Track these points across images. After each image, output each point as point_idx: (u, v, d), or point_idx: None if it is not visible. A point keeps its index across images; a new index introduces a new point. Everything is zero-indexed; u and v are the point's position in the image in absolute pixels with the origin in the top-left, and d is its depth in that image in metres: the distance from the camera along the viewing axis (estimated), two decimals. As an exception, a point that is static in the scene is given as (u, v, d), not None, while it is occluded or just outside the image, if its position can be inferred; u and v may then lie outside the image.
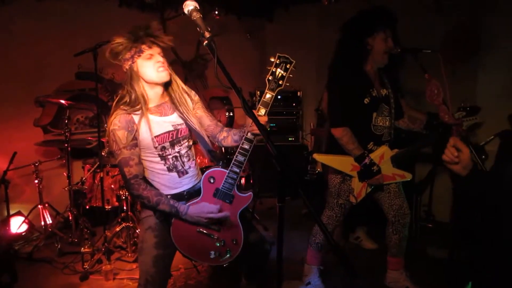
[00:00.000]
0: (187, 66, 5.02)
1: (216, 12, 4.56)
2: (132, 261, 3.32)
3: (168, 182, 1.99)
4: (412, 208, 3.78)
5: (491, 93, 3.65)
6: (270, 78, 1.89)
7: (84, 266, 3.16)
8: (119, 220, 3.59)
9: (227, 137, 2.09)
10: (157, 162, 1.97)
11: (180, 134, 2.00)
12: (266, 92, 1.89)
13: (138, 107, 1.89)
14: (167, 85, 1.98)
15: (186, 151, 2.04)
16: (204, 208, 1.89)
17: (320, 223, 1.31)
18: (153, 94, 1.95)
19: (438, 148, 3.80)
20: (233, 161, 1.91)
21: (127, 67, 1.89)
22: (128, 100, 1.89)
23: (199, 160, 2.18)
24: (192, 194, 2.02)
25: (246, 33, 5.42)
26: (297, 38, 5.17)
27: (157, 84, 1.93)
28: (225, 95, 5.44)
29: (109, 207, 3.68)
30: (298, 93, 5.19)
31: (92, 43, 2.99)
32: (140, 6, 4.42)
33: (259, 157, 4.68)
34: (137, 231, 3.42)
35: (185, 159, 2.03)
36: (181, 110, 1.99)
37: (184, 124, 2.02)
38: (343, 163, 2.56)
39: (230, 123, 4.74)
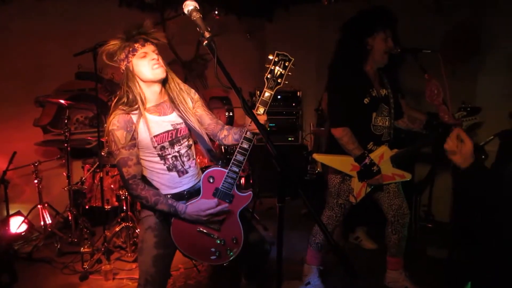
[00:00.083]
0: (187, 66, 5.01)
1: (216, 12, 4.55)
2: (131, 261, 3.32)
3: (168, 182, 1.99)
4: (412, 208, 3.78)
5: (491, 93, 3.64)
6: (268, 76, 1.88)
7: (84, 266, 3.16)
8: (119, 220, 3.59)
9: (228, 136, 2.09)
10: (156, 162, 1.97)
11: (180, 133, 2.00)
12: (265, 91, 1.88)
13: (136, 107, 1.89)
14: (164, 83, 1.98)
15: (186, 151, 2.04)
16: (202, 205, 1.89)
17: (320, 223, 1.30)
18: (151, 94, 1.95)
19: (438, 148, 3.82)
20: (232, 161, 1.91)
21: (123, 67, 1.89)
22: (126, 100, 1.89)
23: (199, 160, 2.18)
24: (192, 193, 2.02)
25: (246, 33, 5.42)
26: (297, 38, 5.16)
27: (153, 82, 1.92)
28: (225, 95, 5.43)
29: (109, 207, 3.68)
30: (298, 93, 5.19)
31: (92, 43, 2.99)
32: (140, 6, 4.42)
33: (258, 157, 4.69)
34: (136, 231, 3.42)
35: (185, 159, 2.02)
36: (180, 109, 1.99)
37: (184, 123, 2.02)
38: (343, 163, 2.55)
39: (229, 123, 4.74)
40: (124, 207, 3.45)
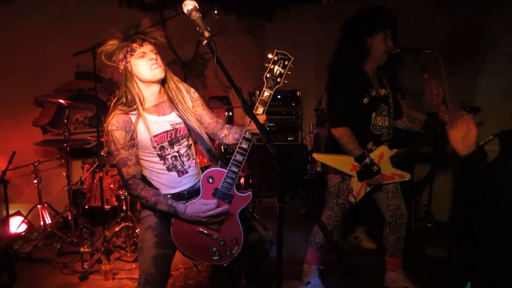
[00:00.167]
0: (186, 66, 5.01)
1: (216, 12, 4.55)
2: (131, 261, 3.32)
3: (167, 182, 1.99)
4: (412, 208, 3.79)
5: (491, 93, 3.64)
6: (268, 75, 1.86)
7: (84, 266, 3.16)
8: (119, 220, 3.59)
9: (228, 135, 2.08)
10: (156, 162, 1.96)
11: (179, 133, 2.00)
12: (264, 90, 1.86)
13: (135, 107, 1.88)
14: (163, 83, 1.98)
15: (186, 151, 2.03)
16: (202, 206, 1.88)
17: (320, 222, 1.30)
18: (150, 94, 1.94)
19: (437, 148, 3.82)
20: (231, 161, 1.90)
21: (121, 67, 1.89)
22: (125, 101, 1.89)
23: (198, 159, 2.17)
24: (192, 193, 2.02)
25: (245, 33, 5.41)
26: (297, 38, 5.16)
27: (152, 82, 1.92)
28: (224, 95, 5.44)
29: (109, 206, 3.68)
30: (298, 92, 5.19)
31: (91, 42, 2.98)
32: (140, 5, 4.41)
33: (258, 157, 4.69)
34: (136, 230, 3.42)
35: (184, 159, 2.02)
36: (179, 109, 1.99)
37: (183, 123, 2.02)
38: (342, 162, 2.55)
39: (229, 123, 4.74)
40: (124, 207, 3.45)
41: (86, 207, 3.77)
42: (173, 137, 1.97)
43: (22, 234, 3.63)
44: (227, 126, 2.13)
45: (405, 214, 2.65)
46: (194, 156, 2.11)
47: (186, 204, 1.90)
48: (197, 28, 1.52)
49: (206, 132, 2.11)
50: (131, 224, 3.40)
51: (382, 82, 2.63)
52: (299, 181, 4.60)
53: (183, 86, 2.08)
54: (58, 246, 3.49)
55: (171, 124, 1.98)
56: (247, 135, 1.88)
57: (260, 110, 1.86)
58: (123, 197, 3.45)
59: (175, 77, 2.05)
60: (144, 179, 1.97)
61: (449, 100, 2.45)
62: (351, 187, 2.58)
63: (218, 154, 3.46)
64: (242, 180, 4.55)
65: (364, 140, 2.54)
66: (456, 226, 3.36)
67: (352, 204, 2.63)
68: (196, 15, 1.54)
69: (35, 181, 3.55)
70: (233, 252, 1.97)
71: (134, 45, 1.85)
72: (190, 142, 2.09)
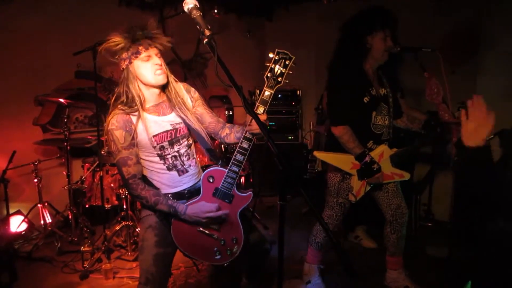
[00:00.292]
0: (186, 65, 5.01)
1: (216, 11, 4.55)
2: (132, 260, 3.32)
3: (168, 181, 1.99)
4: (412, 207, 3.79)
5: (491, 93, 3.64)
6: (268, 75, 1.85)
7: (84, 265, 3.16)
8: (119, 219, 3.59)
9: (230, 134, 2.07)
10: (156, 161, 1.96)
11: (179, 133, 2.00)
12: (265, 90, 1.85)
13: (135, 107, 1.88)
14: (164, 86, 1.97)
15: (186, 150, 2.03)
16: (203, 207, 1.88)
17: (322, 221, 1.30)
18: (150, 94, 1.94)
19: (437, 147, 3.81)
20: (232, 160, 1.90)
21: (123, 66, 1.87)
22: (125, 100, 1.88)
23: (198, 159, 2.17)
24: (193, 192, 2.01)
25: (245, 32, 5.41)
26: (297, 37, 5.16)
27: (153, 86, 1.92)
28: (224, 94, 5.44)
29: (109, 206, 3.68)
30: (298, 92, 5.19)
31: (91, 42, 2.98)
32: (140, 5, 4.41)
33: (259, 156, 4.69)
34: (137, 230, 3.42)
35: (184, 158, 2.02)
36: (178, 110, 1.99)
37: (183, 123, 2.01)
38: (343, 161, 2.55)
39: (229, 122, 4.74)
40: (124, 206, 3.44)
41: (87, 206, 3.77)
42: (173, 137, 1.97)
43: (23, 233, 3.63)
44: (228, 125, 2.12)
45: (405, 213, 2.65)
46: (194, 156, 2.11)
47: (186, 205, 1.90)
48: (198, 27, 1.52)
49: (207, 131, 2.10)
50: (131, 223, 3.40)
51: (382, 82, 2.63)
52: (301, 180, 4.60)
53: (183, 86, 2.08)
54: (59, 245, 3.49)
55: (171, 124, 1.97)
56: (248, 134, 1.87)
57: (260, 109, 1.85)
58: (123, 196, 3.45)
59: (176, 79, 2.04)
60: (145, 179, 1.97)
61: (449, 99, 2.46)
62: (351, 185, 2.58)
63: (218, 154, 3.46)
64: (242, 179, 4.55)
65: (364, 139, 2.54)
66: (456, 225, 3.36)
67: (352, 203, 2.63)
68: (196, 14, 1.53)
69: (36, 180, 3.55)
70: (233, 252, 1.97)
71: (140, 47, 1.83)
72: (190, 141, 2.08)
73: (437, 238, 3.64)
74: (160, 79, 1.88)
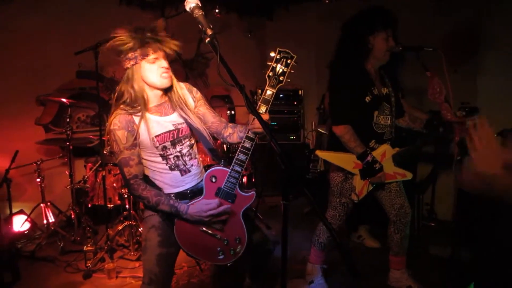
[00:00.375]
0: (187, 65, 5.01)
1: (217, 11, 4.55)
2: (134, 259, 3.33)
3: (170, 181, 1.99)
4: (415, 207, 3.78)
5: (492, 92, 3.64)
6: (270, 74, 1.84)
7: (87, 265, 3.16)
8: (122, 218, 3.59)
9: (233, 134, 2.06)
10: (158, 161, 1.96)
11: (181, 133, 1.99)
12: (267, 89, 1.84)
13: (138, 107, 1.87)
14: (167, 89, 1.96)
15: (188, 150, 2.03)
16: (204, 206, 1.87)
17: (325, 220, 1.30)
18: (153, 95, 1.93)
19: (440, 147, 3.80)
20: (234, 160, 1.89)
21: (128, 66, 1.85)
22: (128, 100, 1.87)
23: (201, 158, 2.17)
24: (195, 192, 2.01)
25: (247, 32, 5.41)
26: (298, 37, 5.15)
27: (157, 88, 1.92)
28: (226, 94, 5.43)
29: (111, 205, 3.68)
30: (299, 91, 5.19)
31: (92, 41, 2.98)
32: (140, 4, 4.41)
33: (261, 156, 4.69)
34: (139, 229, 3.42)
35: (186, 158, 2.02)
36: (180, 110, 1.98)
37: (185, 123, 2.01)
38: (345, 160, 2.55)
39: (231, 122, 4.74)
40: (127, 206, 3.45)
41: (89, 205, 3.78)
42: (175, 137, 1.97)
43: (25, 232, 3.64)
44: (231, 124, 2.11)
45: (409, 213, 2.65)
46: (197, 155, 2.11)
47: (188, 204, 1.90)
48: (200, 26, 1.51)
49: (209, 131, 2.10)
50: (134, 223, 3.41)
51: (384, 81, 2.63)
52: (303, 180, 4.60)
53: (185, 86, 2.08)
54: (61, 245, 3.50)
55: (173, 124, 1.97)
56: (250, 134, 1.87)
57: (262, 109, 1.84)
58: (126, 196, 3.45)
59: (178, 81, 2.03)
60: (147, 179, 1.97)
61: (451, 98, 2.45)
62: (353, 185, 2.58)
63: (221, 153, 3.46)
64: (244, 179, 4.55)
65: (366, 138, 2.53)
66: (460, 225, 3.35)
67: (355, 202, 2.63)
68: (198, 13, 1.53)
69: (38, 179, 3.56)
70: (236, 251, 1.96)
71: (149, 50, 1.81)
72: (192, 141, 2.08)
73: (439, 238, 3.63)
74: (166, 82, 1.88)
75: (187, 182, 2.02)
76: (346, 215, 2.71)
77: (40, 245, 3.51)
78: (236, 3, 5.07)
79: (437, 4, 3.96)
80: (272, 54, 1.85)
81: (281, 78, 1.85)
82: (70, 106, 3.44)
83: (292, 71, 1.85)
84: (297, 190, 1.27)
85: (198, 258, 2.06)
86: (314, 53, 5.24)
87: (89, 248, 3.21)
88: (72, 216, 3.67)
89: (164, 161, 1.96)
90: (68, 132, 3.44)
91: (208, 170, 1.96)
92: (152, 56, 1.83)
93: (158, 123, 1.93)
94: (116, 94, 1.91)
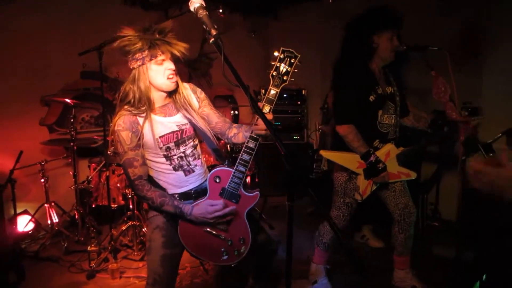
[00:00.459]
0: (191, 65, 5.02)
1: (221, 11, 4.54)
2: (138, 259, 3.33)
3: (174, 181, 1.99)
4: (419, 207, 3.77)
5: (497, 91, 3.61)
6: (274, 73, 1.83)
7: (91, 265, 3.17)
8: (125, 218, 3.60)
9: (238, 134, 2.05)
10: (162, 162, 1.96)
11: (185, 134, 1.99)
12: (270, 89, 1.83)
13: (143, 108, 1.87)
14: (172, 90, 1.96)
15: (192, 151, 2.03)
16: (208, 207, 1.87)
17: (331, 221, 1.29)
18: (158, 96, 1.93)
19: (444, 146, 3.79)
20: (238, 160, 1.89)
21: (134, 66, 1.85)
22: (132, 100, 1.87)
23: (204, 159, 2.16)
24: (199, 192, 2.01)
25: (250, 32, 5.41)
26: (302, 36, 5.14)
27: (163, 90, 1.91)
28: (230, 94, 5.43)
29: (115, 205, 3.69)
30: (303, 91, 5.18)
31: (95, 41, 2.98)
32: (144, 4, 4.41)
33: (264, 156, 4.68)
34: (143, 229, 3.42)
35: (190, 158, 2.01)
36: (184, 111, 1.98)
37: (189, 124, 2.01)
38: (349, 160, 2.54)
39: (235, 122, 4.74)
40: (131, 206, 3.46)
41: (93, 206, 3.78)
42: (179, 138, 1.97)
43: (30, 232, 3.65)
44: (235, 125, 2.11)
45: (413, 213, 2.64)
46: (200, 156, 2.10)
47: (192, 205, 1.90)
48: (204, 26, 1.51)
49: (213, 131, 2.09)
50: (137, 223, 3.41)
51: (389, 80, 2.62)
52: (308, 180, 4.59)
53: (189, 86, 2.08)
54: (65, 245, 3.51)
55: (177, 125, 1.97)
56: (254, 134, 1.86)
57: (266, 108, 1.83)
58: (129, 196, 3.46)
59: (183, 83, 2.03)
60: (151, 179, 1.96)
61: (456, 98, 2.44)
62: (357, 185, 2.57)
63: (224, 153, 3.46)
64: (248, 179, 4.55)
65: (370, 138, 2.53)
66: (464, 225, 3.34)
67: (359, 202, 2.62)
68: (203, 13, 1.52)
69: (42, 180, 3.57)
70: (241, 252, 1.96)
71: (158, 51, 1.80)
72: (196, 142, 2.08)
73: (443, 238, 3.61)
74: (171, 85, 1.88)
75: (191, 182, 2.02)
76: (350, 215, 2.71)
77: (44, 245, 3.52)
78: (239, 3, 5.07)
79: (437, 5, 3.94)
80: (276, 53, 1.84)
81: (284, 78, 1.84)
82: (75, 106, 3.45)
83: (296, 70, 1.84)
84: (302, 190, 1.26)
85: (202, 258, 2.06)
86: (318, 53, 5.23)
87: (93, 248, 3.21)
88: (76, 216, 3.68)
89: (168, 162, 1.96)
90: (72, 133, 3.45)
91: (212, 171, 1.95)
92: (160, 58, 1.82)
93: (162, 124, 1.93)
94: (120, 94, 1.90)
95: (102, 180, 3.70)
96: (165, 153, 1.94)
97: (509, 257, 1.52)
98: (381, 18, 2.47)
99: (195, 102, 2.06)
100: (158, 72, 1.84)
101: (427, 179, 3.99)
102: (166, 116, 1.95)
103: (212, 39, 1.47)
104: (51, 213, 3.62)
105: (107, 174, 3.37)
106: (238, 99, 5.48)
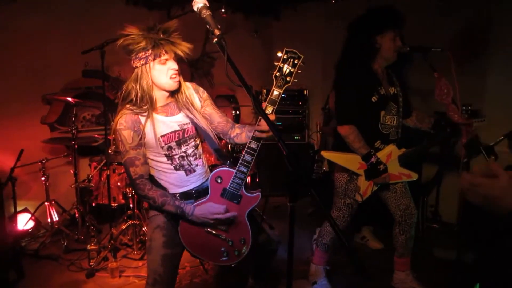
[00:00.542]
0: (193, 64, 5.01)
1: (223, 10, 4.54)
2: (138, 258, 3.33)
3: (175, 181, 1.98)
4: (419, 209, 3.76)
5: (500, 93, 3.61)
6: (277, 74, 1.82)
7: (90, 263, 3.17)
8: (125, 217, 3.60)
9: (241, 134, 2.04)
10: (163, 161, 1.96)
11: (187, 133, 1.99)
12: (273, 89, 1.82)
13: (145, 107, 1.87)
14: (175, 90, 1.96)
15: (193, 150, 2.02)
16: (210, 209, 1.87)
17: (333, 222, 1.29)
18: (160, 95, 1.93)
19: (446, 148, 3.78)
20: (240, 161, 1.88)
21: (137, 65, 1.84)
22: (134, 99, 1.87)
23: (205, 158, 2.16)
24: (200, 192, 2.00)
25: (253, 32, 5.40)
26: (304, 36, 5.14)
27: (165, 90, 1.91)
28: (231, 93, 5.43)
29: (116, 204, 3.69)
30: (305, 91, 5.18)
31: (98, 41, 2.98)
32: (147, 4, 4.41)
33: (265, 156, 4.68)
34: (143, 228, 3.42)
35: (191, 158, 2.01)
36: (186, 110, 1.98)
37: (191, 123, 2.01)
38: (350, 161, 2.54)
39: (236, 122, 4.73)
40: (131, 205, 3.45)
41: (93, 204, 3.78)
42: (180, 137, 1.96)
43: (30, 231, 3.65)
44: (238, 125, 2.10)
45: (414, 214, 2.64)
46: (202, 155, 2.10)
47: (194, 205, 1.89)
48: (207, 26, 1.50)
49: (215, 131, 2.09)
50: (138, 222, 3.41)
51: (392, 81, 2.61)
52: (310, 181, 4.59)
53: (191, 86, 2.07)
54: (65, 243, 3.50)
55: (179, 125, 1.96)
56: (257, 134, 1.86)
57: (269, 109, 1.82)
58: (130, 195, 3.45)
59: (186, 83, 2.03)
60: (152, 179, 1.96)
61: (458, 99, 2.43)
62: (358, 185, 2.57)
63: (226, 154, 3.45)
64: (248, 179, 4.54)
65: (372, 138, 2.52)
66: (465, 227, 3.33)
67: (359, 203, 2.62)
68: (206, 13, 1.52)
69: (43, 178, 3.56)
70: (241, 252, 1.96)
71: (162, 51, 1.80)
72: (198, 142, 2.07)
73: (443, 240, 3.61)
74: (174, 85, 1.88)
75: (192, 182, 2.02)
76: (350, 216, 2.70)
77: (44, 243, 3.51)
78: (242, 2, 5.06)
79: (437, 5, 3.93)
80: (279, 54, 1.82)
81: (288, 79, 1.83)
82: (76, 105, 3.45)
83: (299, 71, 1.83)
84: (304, 191, 1.25)
85: (203, 258, 2.06)
86: (320, 53, 5.23)
87: (92, 247, 3.21)
88: (76, 215, 3.68)
89: (169, 161, 1.95)
90: (73, 131, 3.45)
91: (214, 171, 1.95)
92: (163, 57, 1.82)
93: (164, 123, 1.92)
94: (123, 93, 1.90)
95: (102, 178, 3.70)
96: (166, 153, 1.94)
97: (509, 258, 1.52)
98: (384, 18, 2.46)
99: (197, 102, 2.05)
100: (161, 72, 1.84)
101: (428, 180, 3.99)
102: (168, 115, 1.95)
103: (216, 39, 1.46)
104: (51, 211, 3.62)
105: (108, 173, 3.37)
106: (240, 99, 5.48)
